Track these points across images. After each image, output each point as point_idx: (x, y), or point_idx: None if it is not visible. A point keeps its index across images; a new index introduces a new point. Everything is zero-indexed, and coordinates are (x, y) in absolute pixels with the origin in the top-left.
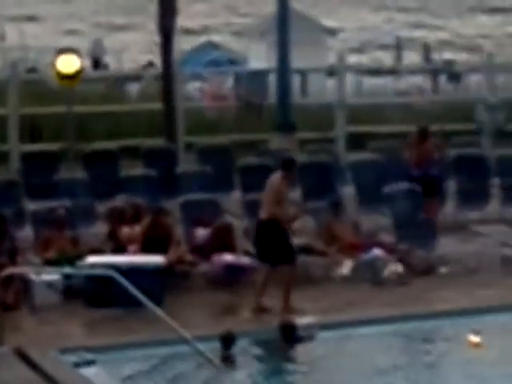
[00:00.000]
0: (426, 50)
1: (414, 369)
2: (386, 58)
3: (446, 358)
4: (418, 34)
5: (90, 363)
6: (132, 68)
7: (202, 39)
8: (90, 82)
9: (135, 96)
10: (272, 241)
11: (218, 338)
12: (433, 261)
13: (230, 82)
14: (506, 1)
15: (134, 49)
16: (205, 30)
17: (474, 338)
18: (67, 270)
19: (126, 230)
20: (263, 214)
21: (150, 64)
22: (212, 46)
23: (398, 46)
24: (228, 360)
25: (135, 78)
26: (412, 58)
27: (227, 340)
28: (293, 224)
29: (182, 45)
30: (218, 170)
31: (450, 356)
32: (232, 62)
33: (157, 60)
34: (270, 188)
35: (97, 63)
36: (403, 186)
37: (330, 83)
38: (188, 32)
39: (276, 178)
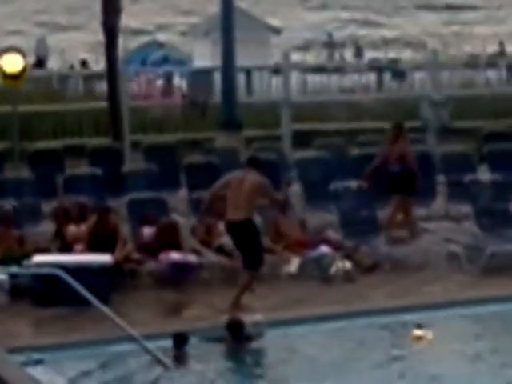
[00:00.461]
0: (358, 48)
1: (362, 366)
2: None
3: (393, 354)
4: (363, 32)
5: (37, 362)
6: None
7: (147, 38)
8: (34, 82)
9: (80, 95)
10: (247, 242)
11: (171, 337)
12: (379, 257)
13: (176, 81)
14: None
15: (79, 48)
16: (149, 28)
17: (417, 332)
18: (14, 269)
19: (72, 229)
20: (239, 214)
21: (83, 63)
22: (157, 44)
23: (331, 44)
24: (180, 359)
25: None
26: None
27: (180, 339)
28: None
29: (127, 44)
30: (164, 168)
31: (398, 351)
32: (177, 60)
33: (101, 59)
34: (251, 190)
35: (40, 63)
36: (349, 183)
37: (275, 81)
38: (132, 31)
39: (256, 179)
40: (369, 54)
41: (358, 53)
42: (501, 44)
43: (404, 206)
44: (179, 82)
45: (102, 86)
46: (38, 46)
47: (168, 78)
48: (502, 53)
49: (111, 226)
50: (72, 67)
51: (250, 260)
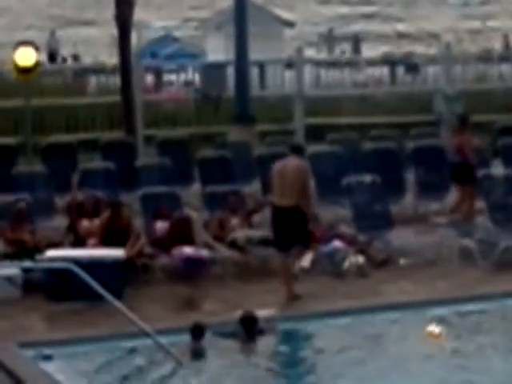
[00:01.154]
0: (356, 42)
1: (375, 361)
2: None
3: (406, 350)
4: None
5: (49, 357)
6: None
7: (160, 32)
8: (48, 76)
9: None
10: (293, 228)
11: (188, 330)
12: (392, 252)
13: (189, 75)
14: None
15: (93, 42)
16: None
17: (431, 328)
18: (27, 263)
19: (85, 224)
20: (286, 201)
21: (75, 57)
22: (170, 38)
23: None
24: (198, 353)
25: (94, 70)
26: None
27: (197, 330)
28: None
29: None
30: (177, 162)
31: (412, 348)
32: (190, 54)
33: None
34: (295, 174)
35: (53, 57)
36: (362, 177)
37: (289, 75)
38: (146, 25)
39: (298, 163)
40: (383, 48)
41: (356, 48)
42: (505, 37)
43: (467, 195)
44: (192, 75)
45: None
46: (49, 40)
47: (158, 72)
48: (507, 46)
49: (124, 221)
50: (65, 60)
51: (299, 241)
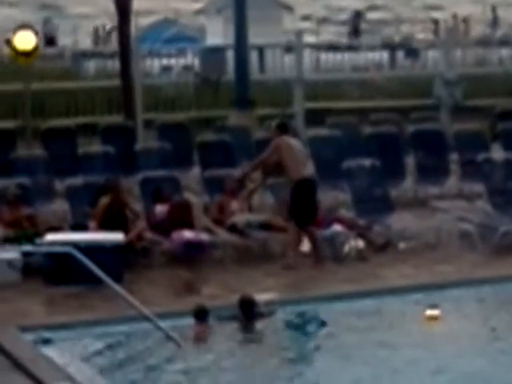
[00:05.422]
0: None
1: (373, 345)
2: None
3: (404, 334)
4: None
5: (49, 341)
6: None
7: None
8: (46, 60)
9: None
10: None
11: (192, 313)
12: (392, 236)
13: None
14: None
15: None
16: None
17: (432, 312)
18: (26, 247)
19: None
20: (308, 170)
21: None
22: (169, 22)
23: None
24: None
25: (92, 55)
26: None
27: (201, 313)
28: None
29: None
30: (177, 146)
31: (410, 331)
32: (189, 38)
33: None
34: (301, 147)
35: (50, 41)
36: (362, 161)
37: (288, 59)
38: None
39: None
40: (385, 31)
41: (355, 32)
42: (493, 10)
43: None
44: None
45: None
46: (44, 24)
47: None
48: (495, 19)
49: (123, 205)
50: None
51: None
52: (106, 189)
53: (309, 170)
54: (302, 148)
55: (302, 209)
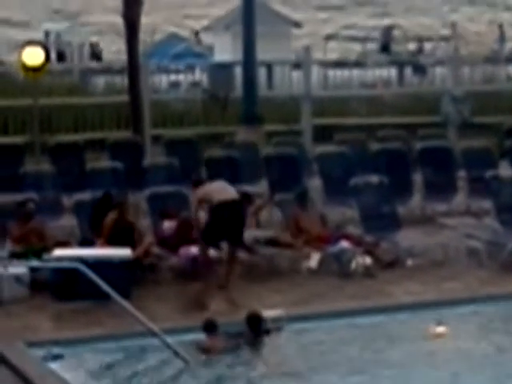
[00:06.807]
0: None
1: (380, 361)
2: (352, 51)
3: (412, 350)
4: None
5: (57, 357)
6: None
7: (168, 32)
8: (55, 75)
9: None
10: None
11: (201, 327)
12: (399, 253)
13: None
14: None
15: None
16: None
17: (439, 329)
18: (34, 263)
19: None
20: (227, 195)
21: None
22: (177, 38)
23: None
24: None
25: (101, 71)
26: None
27: (210, 327)
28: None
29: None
30: (185, 162)
31: (417, 348)
32: (197, 54)
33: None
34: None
35: (60, 56)
36: (369, 178)
37: (296, 75)
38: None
39: None
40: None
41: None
42: (500, 27)
43: None
44: (200, 75)
45: None
46: (56, 39)
47: None
48: (502, 36)
49: (131, 221)
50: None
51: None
52: (102, 204)
53: (228, 195)
54: (220, 181)
55: (215, 228)
